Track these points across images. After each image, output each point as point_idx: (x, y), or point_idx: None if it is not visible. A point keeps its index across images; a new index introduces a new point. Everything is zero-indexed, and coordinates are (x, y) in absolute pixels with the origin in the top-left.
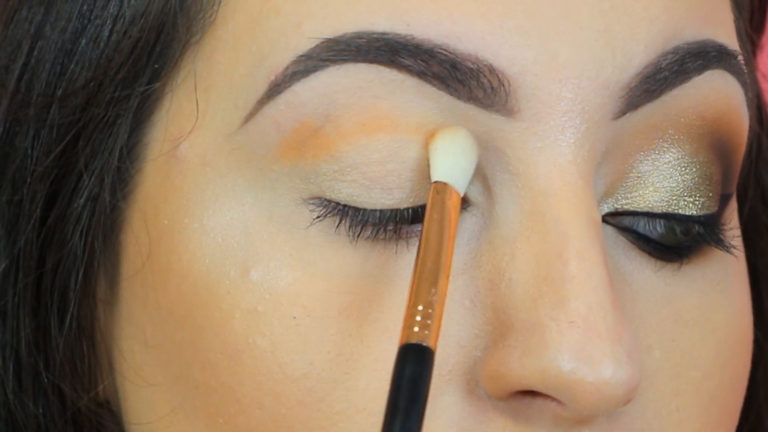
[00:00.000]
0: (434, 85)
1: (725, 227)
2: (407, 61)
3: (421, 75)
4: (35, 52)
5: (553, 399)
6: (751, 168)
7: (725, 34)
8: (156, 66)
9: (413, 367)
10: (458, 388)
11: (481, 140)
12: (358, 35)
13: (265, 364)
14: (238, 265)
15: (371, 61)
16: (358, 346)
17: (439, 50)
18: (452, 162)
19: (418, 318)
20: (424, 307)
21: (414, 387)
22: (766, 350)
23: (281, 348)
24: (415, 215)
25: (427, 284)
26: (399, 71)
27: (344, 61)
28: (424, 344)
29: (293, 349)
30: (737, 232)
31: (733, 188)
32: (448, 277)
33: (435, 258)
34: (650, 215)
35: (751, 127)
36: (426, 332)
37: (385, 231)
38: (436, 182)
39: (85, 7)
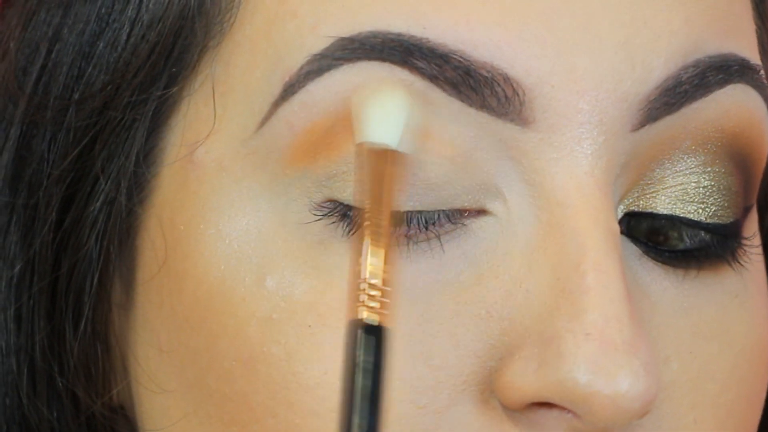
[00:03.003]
0: (445, 91)
1: (744, 239)
2: (420, 63)
3: (433, 79)
4: (53, 55)
5: (568, 411)
6: None
7: (748, 47)
8: (173, 70)
9: (368, 348)
10: (473, 398)
11: (496, 149)
12: (373, 35)
13: (280, 373)
14: (253, 272)
15: (384, 60)
16: None
17: (454, 56)
18: (378, 121)
19: (371, 293)
20: (374, 281)
21: (370, 369)
22: None
23: (296, 357)
24: (419, 220)
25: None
26: (411, 72)
27: (358, 59)
28: (376, 322)
29: (308, 358)
30: (756, 242)
31: (754, 200)
32: (388, 239)
33: (375, 221)
34: (654, 216)
35: None
36: (378, 308)
37: (393, 235)
38: (361, 144)
39: (103, 11)
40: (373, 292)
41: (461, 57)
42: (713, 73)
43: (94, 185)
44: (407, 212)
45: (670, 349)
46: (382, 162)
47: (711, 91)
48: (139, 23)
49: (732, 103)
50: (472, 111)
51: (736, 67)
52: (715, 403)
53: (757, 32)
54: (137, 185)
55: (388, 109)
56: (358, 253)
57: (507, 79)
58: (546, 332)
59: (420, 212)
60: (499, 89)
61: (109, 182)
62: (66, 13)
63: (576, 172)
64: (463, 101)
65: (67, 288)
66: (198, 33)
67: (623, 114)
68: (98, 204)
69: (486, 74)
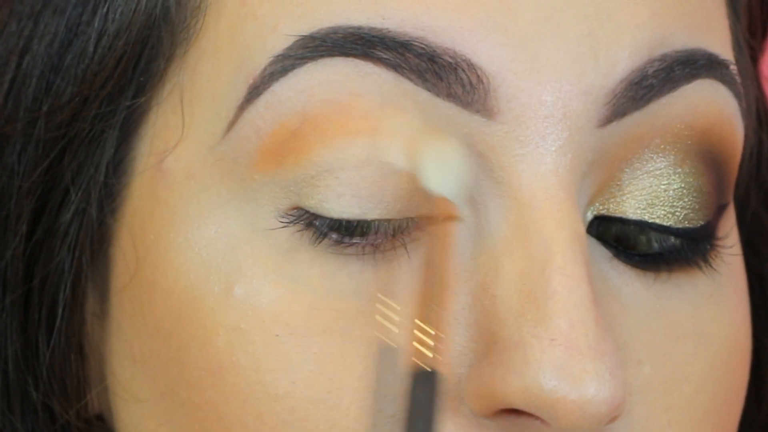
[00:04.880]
0: (412, 80)
1: (717, 240)
2: (383, 54)
3: (397, 68)
4: (22, 67)
5: (537, 417)
6: (752, 173)
7: (718, 42)
8: (141, 80)
9: (423, 393)
10: (443, 406)
11: (463, 144)
12: (333, 30)
13: (248, 383)
14: (221, 281)
15: (347, 55)
16: (340, 365)
17: (416, 42)
18: (449, 175)
19: (427, 341)
20: (431, 328)
21: (425, 414)
22: None
23: (264, 366)
24: (387, 229)
25: (432, 304)
26: (375, 65)
27: (320, 56)
28: (432, 369)
29: (276, 368)
30: (730, 241)
31: (729, 198)
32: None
33: (439, 278)
34: (623, 221)
35: (752, 131)
36: (434, 356)
37: (360, 245)
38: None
39: (71, 22)
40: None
41: (423, 43)
42: (680, 67)
43: (65, 197)
44: (374, 221)
45: (642, 352)
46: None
47: (678, 86)
48: (106, 34)
49: (700, 99)
50: (439, 102)
51: (703, 62)
52: (691, 404)
53: (731, 27)
54: (107, 196)
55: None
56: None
57: (471, 65)
58: (513, 338)
59: (388, 221)
60: (463, 75)
61: (79, 193)
62: (36, 24)
63: (541, 170)
64: (429, 90)
65: (39, 300)
66: (164, 42)
67: (588, 107)
68: (69, 215)
69: (450, 60)
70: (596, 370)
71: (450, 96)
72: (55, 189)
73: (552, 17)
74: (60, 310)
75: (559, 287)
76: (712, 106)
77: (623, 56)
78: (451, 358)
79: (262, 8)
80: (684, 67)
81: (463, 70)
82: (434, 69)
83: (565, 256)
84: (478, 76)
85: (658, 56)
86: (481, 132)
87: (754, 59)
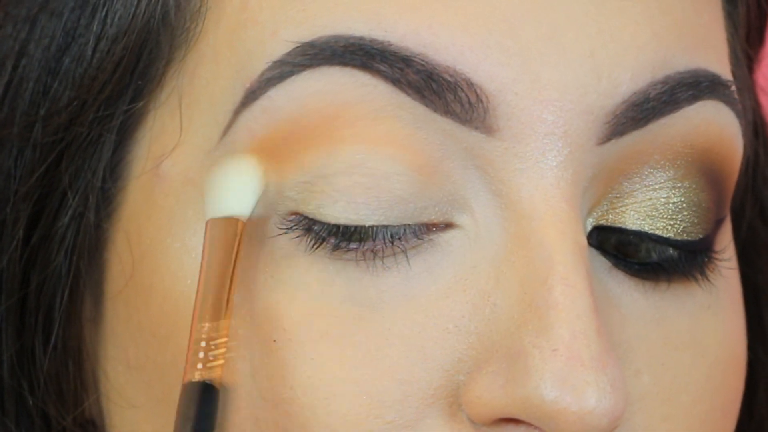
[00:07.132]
0: (409, 95)
1: (714, 253)
2: (382, 67)
3: (395, 83)
4: (19, 70)
5: (536, 427)
6: (748, 185)
7: (718, 61)
8: (139, 83)
9: (200, 408)
10: (441, 412)
11: (462, 158)
12: (334, 39)
13: (245, 389)
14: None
15: (345, 65)
16: (338, 371)
17: (416, 59)
18: (230, 194)
19: (201, 354)
20: (207, 343)
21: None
22: None
23: (261, 372)
24: (385, 235)
25: (208, 319)
26: (373, 76)
27: (319, 64)
28: (209, 382)
29: (273, 374)
30: (727, 254)
31: (726, 212)
32: (230, 310)
33: (216, 293)
34: (623, 231)
35: (748, 143)
36: (211, 368)
37: (359, 251)
38: (211, 220)
39: (69, 25)
40: (211, 355)
41: (423, 60)
42: (683, 89)
43: (62, 201)
44: (372, 227)
45: (641, 361)
46: (232, 234)
47: (680, 108)
48: (105, 38)
49: (702, 119)
50: (437, 117)
51: (706, 84)
52: (689, 414)
53: (729, 41)
54: (104, 199)
55: (236, 180)
56: (200, 317)
57: (470, 84)
58: (513, 347)
59: (386, 227)
60: (462, 94)
61: (76, 198)
62: (32, 28)
63: (542, 183)
64: (427, 106)
65: (36, 305)
66: (163, 45)
67: (588, 126)
68: (66, 219)
69: (449, 78)
70: (598, 381)
71: (448, 113)
72: (52, 193)
73: (554, 36)
74: (57, 316)
75: (561, 297)
76: (714, 126)
77: (626, 78)
78: (450, 365)
79: (262, 13)
80: (687, 89)
81: (462, 89)
82: (432, 87)
83: (566, 267)
84: (477, 95)
85: (661, 78)
86: (480, 147)
87: (751, 69)
